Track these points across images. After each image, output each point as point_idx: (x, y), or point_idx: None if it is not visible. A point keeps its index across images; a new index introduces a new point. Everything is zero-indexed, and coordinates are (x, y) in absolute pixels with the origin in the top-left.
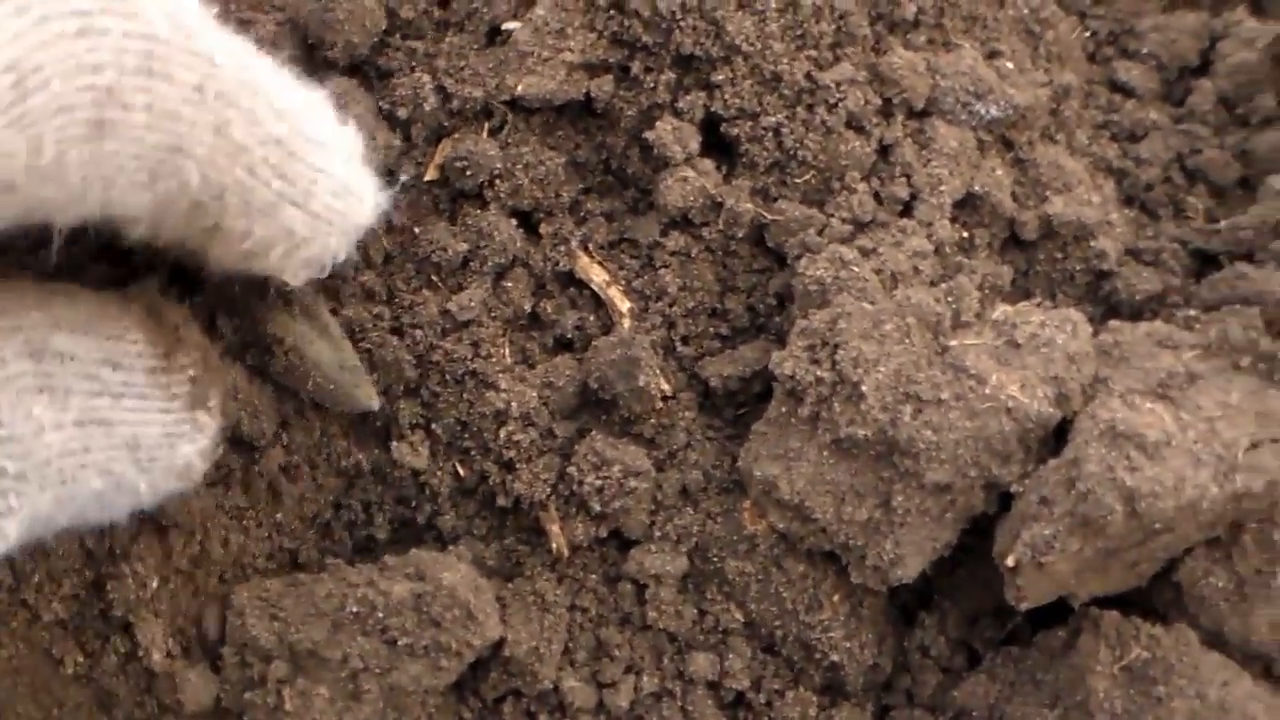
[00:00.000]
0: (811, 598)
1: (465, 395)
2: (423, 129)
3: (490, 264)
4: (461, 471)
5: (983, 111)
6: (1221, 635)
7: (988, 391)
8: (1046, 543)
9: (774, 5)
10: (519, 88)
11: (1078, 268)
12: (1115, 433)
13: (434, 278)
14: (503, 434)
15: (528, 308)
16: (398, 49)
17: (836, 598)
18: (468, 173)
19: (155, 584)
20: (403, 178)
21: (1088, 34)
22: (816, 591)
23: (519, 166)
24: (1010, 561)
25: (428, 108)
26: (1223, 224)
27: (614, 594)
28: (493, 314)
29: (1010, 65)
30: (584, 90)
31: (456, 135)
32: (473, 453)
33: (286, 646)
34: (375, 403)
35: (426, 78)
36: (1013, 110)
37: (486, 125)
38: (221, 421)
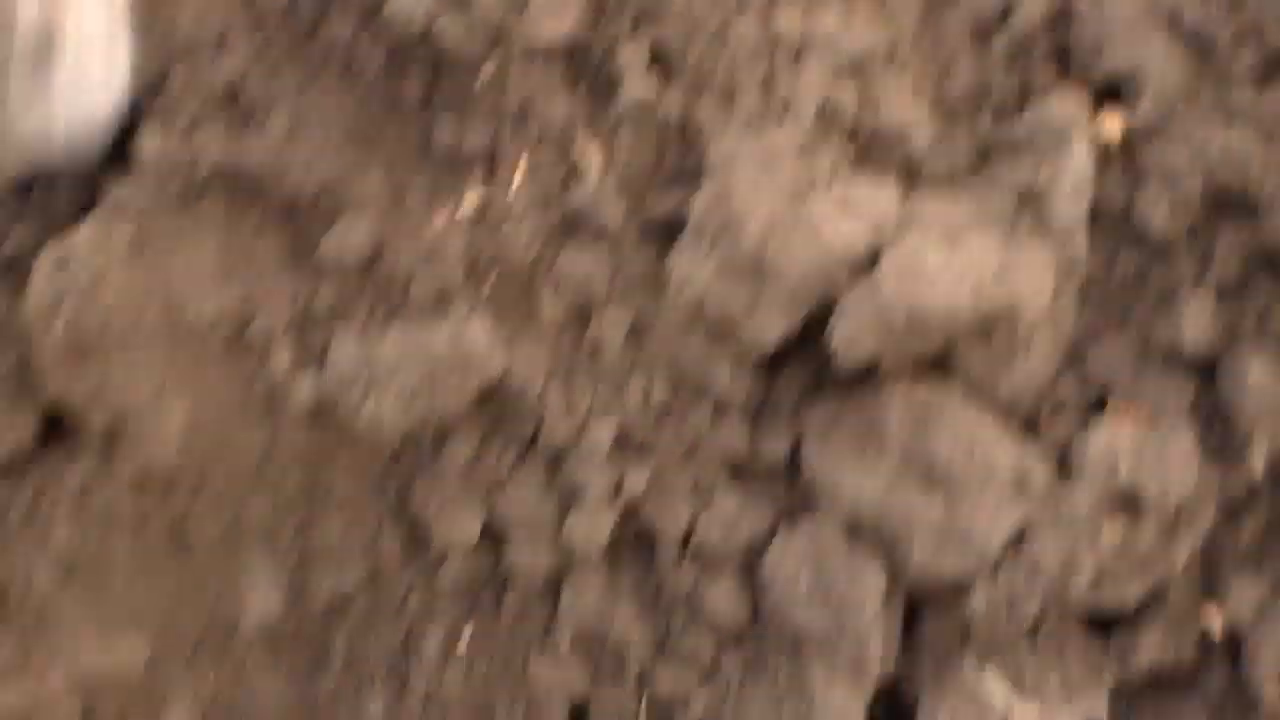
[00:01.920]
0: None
1: None
2: None
3: None
4: None
5: None
6: (980, 393)
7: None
8: (857, 330)
9: None
10: None
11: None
12: (904, 264)
13: None
14: None
15: None
16: None
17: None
18: None
19: None
20: None
21: None
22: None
23: None
24: (836, 339)
25: None
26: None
27: None
28: None
29: None
30: None
31: None
32: None
33: None
34: None
35: None
36: None
37: None
38: None
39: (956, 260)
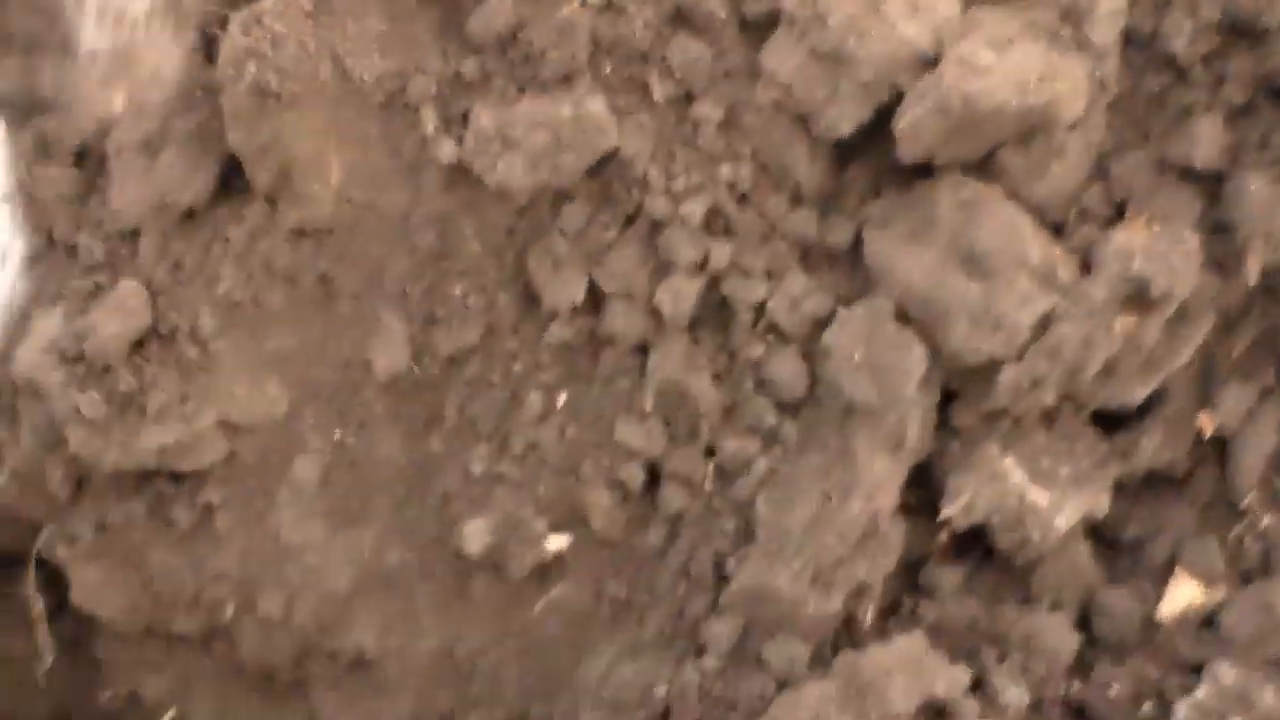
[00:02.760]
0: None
1: None
2: None
3: None
4: None
5: None
6: (1018, 194)
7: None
8: (919, 119)
9: None
10: None
11: None
12: (963, 61)
13: None
14: None
15: None
16: None
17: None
18: None
19: None
20: None
21: None
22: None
23: None
24: (900, 127)
25: None
26: None
27: None
28: None
29: None
30: None
31: None
32: None
33: None
34: None
35: None
36: None
37: None
38: None
39: (1006, 62)
